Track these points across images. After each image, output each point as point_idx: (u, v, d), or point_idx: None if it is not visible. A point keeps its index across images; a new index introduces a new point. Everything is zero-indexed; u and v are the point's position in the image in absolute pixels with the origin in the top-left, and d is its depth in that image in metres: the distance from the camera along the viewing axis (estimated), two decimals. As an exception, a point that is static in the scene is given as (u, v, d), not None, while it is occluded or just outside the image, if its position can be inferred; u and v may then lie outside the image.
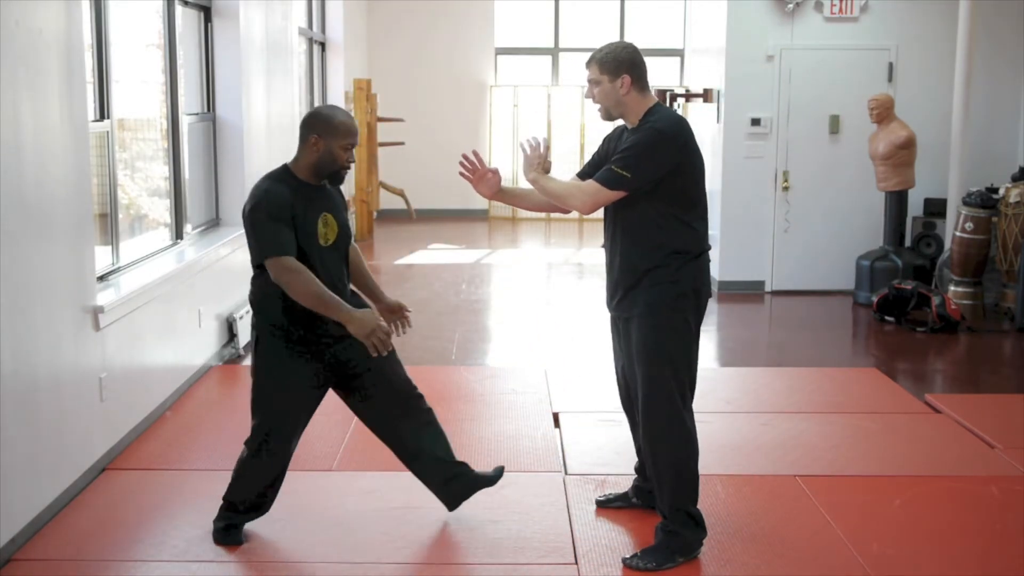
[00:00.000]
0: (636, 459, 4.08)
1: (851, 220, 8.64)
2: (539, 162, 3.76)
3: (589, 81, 3.67)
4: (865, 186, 8.46)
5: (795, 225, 8.65)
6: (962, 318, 7.41)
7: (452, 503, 3.96)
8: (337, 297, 3.48)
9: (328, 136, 3.53)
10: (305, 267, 3.45)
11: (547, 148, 3.81)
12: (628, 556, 3.67)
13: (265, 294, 3.58)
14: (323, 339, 3.62)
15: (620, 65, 3.60)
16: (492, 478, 4.00)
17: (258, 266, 3.57)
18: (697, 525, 3.68)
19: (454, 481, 3.92)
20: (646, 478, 4.00)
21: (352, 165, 3.64)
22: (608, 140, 3.83)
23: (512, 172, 13.26)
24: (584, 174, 3.81)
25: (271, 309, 3.58)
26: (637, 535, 3.90)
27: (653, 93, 3.72)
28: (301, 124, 3.60)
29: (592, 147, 13.00)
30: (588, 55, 3.70)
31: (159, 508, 4.12)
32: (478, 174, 3.85)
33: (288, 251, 3.45)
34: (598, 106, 3.68)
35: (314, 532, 3.87)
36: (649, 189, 3.55)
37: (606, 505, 4.14)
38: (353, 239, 3.86)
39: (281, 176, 3.59)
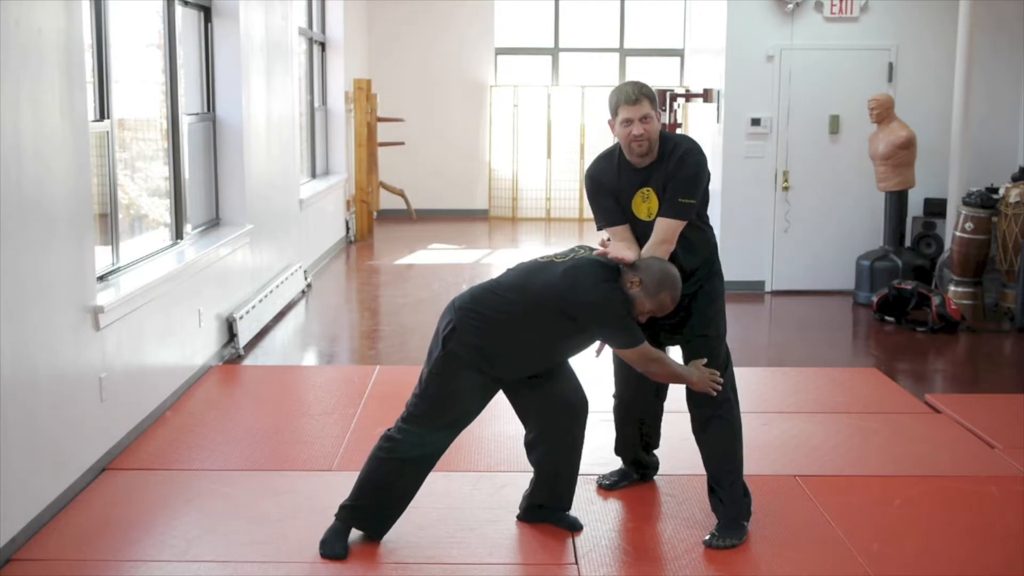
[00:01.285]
0: (615, 449, 4.39)
1: (851, 220, 8.64)
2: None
3: (642, 119, 3.68)
4: (865, 186, 8.46)
5: (795, 225, 8.65)
6: (962, 318, 7.41)
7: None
8: (680, 365, 3.81)
9: (652, 292, 3.61)
10: (662, 354, 3.73)
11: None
12: (707, 538, 3.83)
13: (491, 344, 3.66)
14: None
15: (655, 99, 3.78)
16: (573, 524, 3.99)
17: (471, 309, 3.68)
18: (747, 490, 3.95)
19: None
20: (647, 454, 4.36)
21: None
22: (607, 182, 3.83)
23: (512, 172, 13.28)
24: (619, 218, 3.82)
25: (476, 349, 3.66)
26: (638, 535, 3.91)
27: (655, 92, 3.78)
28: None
29: (592, 147, 13.11)
30: (629, 88, 3.74)
31: (159, 508, 4.12)
32: None
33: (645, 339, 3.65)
34: (641, 144, 3.70)
35: (314, 532, 3.86)
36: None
37: (613, 487, 4.31)
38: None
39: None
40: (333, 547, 3.70)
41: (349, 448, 4.79)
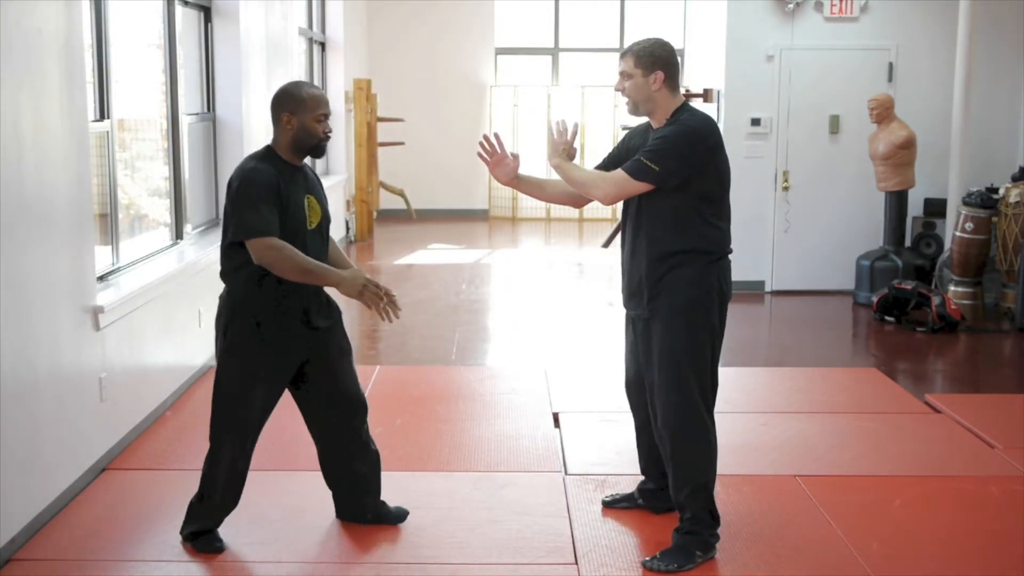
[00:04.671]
0: (639, 460, 4.07)
1: (851, 220, 8.64)
2: (564, 148, 3.74)
3: (621, 73, 3.63)
4: (865, 186, 8.46)
5: (795, 225, 8.65)
6: (962, 318, 7.41)
7: (346, 514, 3.94)
8: (322, 264, 3.50)
9: (299, 112, 3.54)
10: (286, 243, 3.42)
11: (575, 134, 3.78)
12: (647, 558, 3.65)
13: (245, 283, 3.52)
14: (296, 335, 3.60)
15: (656, 61, 3.57)
16: (397, 517, 3.94)
17: (230, 245, 3.50)
18: (714, 521, 3.68)
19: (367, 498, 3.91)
20: (652, 479, 4.01)
21: (330, 135, 3.63)
22: (631, 136, 3.79)
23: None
24: (604, 167, 3.79)
25: (252, 299, 3.53)
26: (638, 535, 3.90)
27: (659, 51, 3.63)
28: (271, 105, 3.60)
29: (592, 147, 13.10)
30: (613, 51, 3.68)
31: (159, 508, 4.12)
32: (496, 158, 3.84)
33: (273, 231, 3.41)
34: (626, 99, 3.64)
35: (314, 532, 3.87)
36: (675, 186, 3.53)
37: (612, 505, 4.12)
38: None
39: (266, 156, 3.59)
40: (208, 544, 3.73)
41: (349, 448, 4.78)
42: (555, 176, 3.89)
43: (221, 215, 6.84)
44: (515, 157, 3.84)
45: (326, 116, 3.61)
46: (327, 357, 3.71)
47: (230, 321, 3.58)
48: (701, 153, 3.54)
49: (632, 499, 4.11)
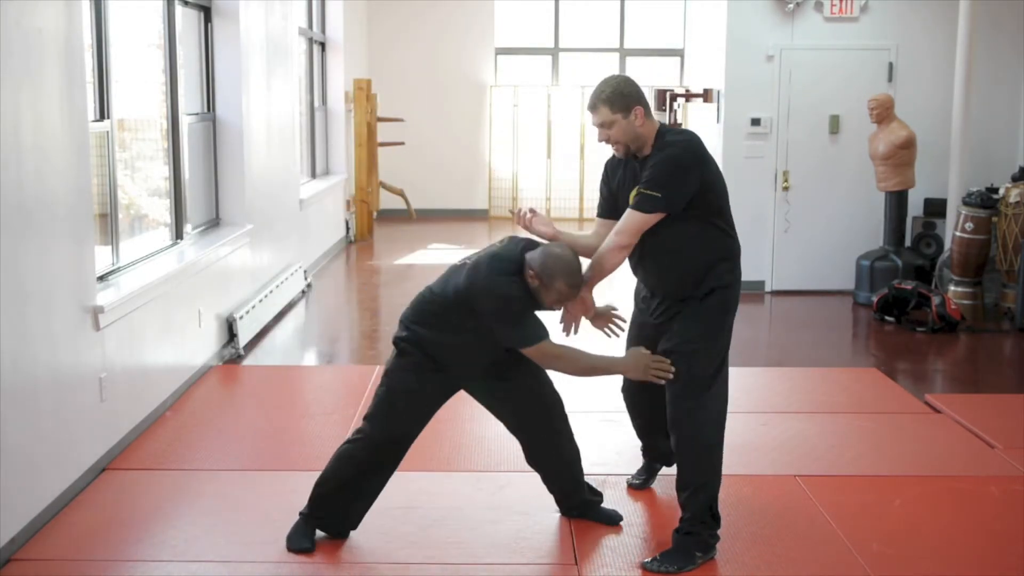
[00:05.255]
0: (641, 452, 4.34)
1: (851, 220, 8.64)
2: (546, 227, 3.78)
3: (600, 125, 3.64)
4: (865, 186, 8.46)
5: (795, 225, 8.65)
6: (962, 318, 7.41)
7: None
8: (604, 357, 3.67)
9: (549, 284, 3.54)
10: (567, 346, 3.61)
11: (532, 213, 3.79)
12: (648, 560, 3.66)
13: (441, 341, 3.64)
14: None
15: (628, 99, 3.61)
16: (611, 517, 4.01)
17: (452, 314, 3.61)
18: (715, 521, 3.70)
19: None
20: (657, 447, 4.23)
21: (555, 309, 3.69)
22: (611, 169, 3.82)
23: (512, 172, 13.27)
24: (603, 212, 3.83)
25: (437, 350, 3.66)
26: (638, 535, 3.90)
27: (653, 93, 3.74)
28: (530, 257, 3.57)
29: (591, 147, 13.11)
30: (589, 93, 3.67)
31: (159, 508, 4.12)
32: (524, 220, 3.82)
33: (548, 334, 3.56)
34: (614, 146, 3.67)
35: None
36: (684, 207, 3.58)
37: (643, 487, 4.30)
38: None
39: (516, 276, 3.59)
40: (300, 542, 3.73)
41: (349, 448, 4.78)
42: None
43: (221, 217, 6.89)
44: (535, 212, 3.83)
45: (564, 302, 3.64)
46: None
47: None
48: (696, 168, 3.59)
49: (652, 470, 4.33)
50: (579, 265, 3.60)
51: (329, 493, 3.74)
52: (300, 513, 3.79)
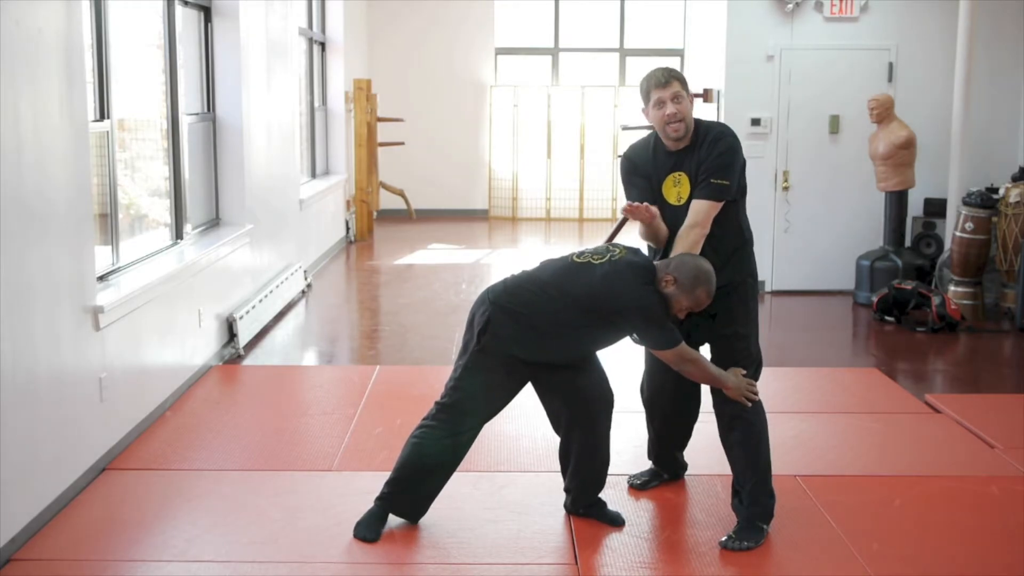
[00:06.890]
0: (647, 453, 4.37)
1: (851, 220, 8.64)
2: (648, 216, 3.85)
3: (673, 98, 3.74)
4: (865, 186, 8.46)
5: (795, 225, 8.65)
6: (962, 318, 7.41)
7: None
8: (722, 371, 3.80)
9: (688, 289, 3.62)
10: (698, 354, 3.74)
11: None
12: (723, 539, 3.78)
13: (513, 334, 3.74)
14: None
15: (686, 82, 3.82)
16: (614, 519, 4.04)
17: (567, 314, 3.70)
18: (771, 493, 3.88)
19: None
20: (667, 452, 4.31)
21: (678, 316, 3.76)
22: (638, 160, 3.91)
23: (512, 172, 13.28)
24: (643, 200, 3.86)
25: (511, 341, 3.75)
26: (638, 535, 3.90)
27: (685, 77, 3.88)
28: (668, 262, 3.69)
29: (592, 147, 13.10)
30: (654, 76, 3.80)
31: (159, 508, 4.12)
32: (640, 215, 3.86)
33: (681, 339, 3.69)
34: (677, 126, 3.73)
35: (314, 532, 3.87)
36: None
37: (644, 487, 4.31)
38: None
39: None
40: (366, 530, 3.82)
41: (349, 448, 4.79)
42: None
43: (221, 217, 6.89)
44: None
45: (693, 310, 3.73)
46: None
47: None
48: (741, 153, 3.83)
49: (657, 475, 4.35)
50: (714, 273, 3.70)
51: (406, 477, 3.84)
52: (376, 499, 3.88)
